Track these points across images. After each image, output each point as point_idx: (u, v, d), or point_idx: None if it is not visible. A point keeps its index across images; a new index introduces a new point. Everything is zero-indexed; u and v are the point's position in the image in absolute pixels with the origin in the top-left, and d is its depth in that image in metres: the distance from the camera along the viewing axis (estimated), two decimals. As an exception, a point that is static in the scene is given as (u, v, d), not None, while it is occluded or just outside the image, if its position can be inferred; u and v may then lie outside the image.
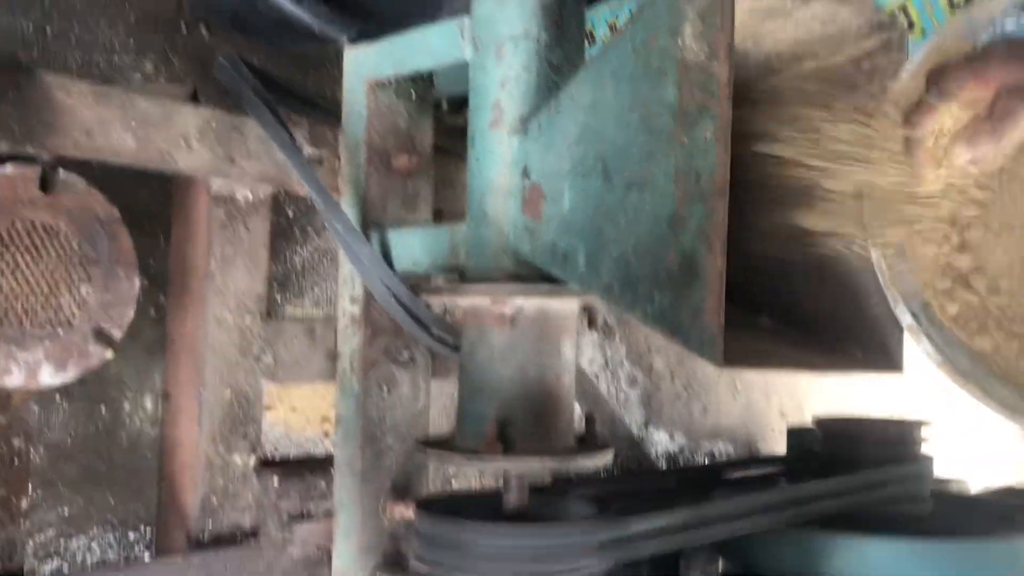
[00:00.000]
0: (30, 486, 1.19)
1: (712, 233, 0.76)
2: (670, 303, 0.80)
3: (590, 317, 1.16)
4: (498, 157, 1.11)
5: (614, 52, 0.90)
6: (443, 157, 1.66)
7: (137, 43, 1.64)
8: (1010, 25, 0.93)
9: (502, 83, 1.11)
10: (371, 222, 1.32)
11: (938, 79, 0.83)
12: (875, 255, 1.02)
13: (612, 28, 1.74)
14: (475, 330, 1.10)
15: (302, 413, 1.81)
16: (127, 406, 1.54)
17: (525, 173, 1.07)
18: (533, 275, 1.10)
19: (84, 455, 1.49)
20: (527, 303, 1.08)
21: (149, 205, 1.60)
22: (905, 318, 1.02)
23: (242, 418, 1.32)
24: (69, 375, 1.10)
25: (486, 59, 1.13)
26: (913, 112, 0.88)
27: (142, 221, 1.58)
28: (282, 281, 1.78)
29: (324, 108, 1.55)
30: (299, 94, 1.53)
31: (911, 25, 1.39)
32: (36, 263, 1.05)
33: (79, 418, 1.49)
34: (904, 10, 1.42)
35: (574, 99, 0.98)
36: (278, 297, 1.77)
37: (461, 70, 1.28)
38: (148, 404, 1.56)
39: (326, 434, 1.83)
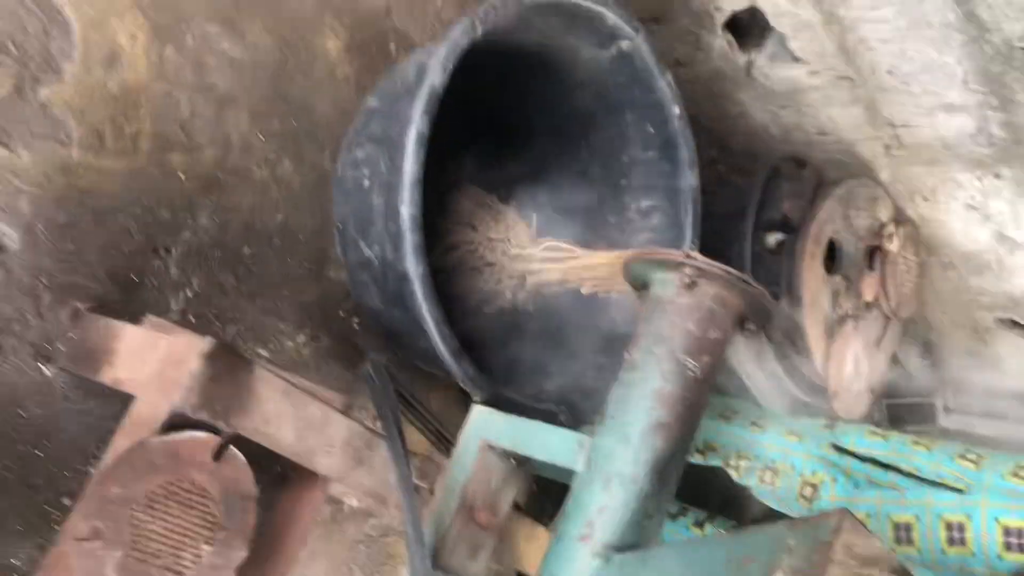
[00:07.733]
0: None
1: None
2: None
3: None
4: (575, 570, 1.27)
5: (710, 548, 1.10)
6: (516, 517, 1.82)
7: (299, 318, 1.90)
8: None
9: (600, 508, 1.29)
10: (439, 562, 1.47)
11: None
12: None
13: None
14: None
15: None
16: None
17: (596, 595, 1.23)
18: None
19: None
20: None
21: (262, 484, 1.75)
22: None
23: None
24: (160, 619, 1.22)
25: (594, 482, 1.32)
26: None
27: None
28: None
29: (437, 430, 1.75)
30: (421, 410, 1.73)
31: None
32: (182, 517, 1.22)
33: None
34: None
35: (661, 562, 1.16)
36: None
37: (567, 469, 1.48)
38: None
39: None
